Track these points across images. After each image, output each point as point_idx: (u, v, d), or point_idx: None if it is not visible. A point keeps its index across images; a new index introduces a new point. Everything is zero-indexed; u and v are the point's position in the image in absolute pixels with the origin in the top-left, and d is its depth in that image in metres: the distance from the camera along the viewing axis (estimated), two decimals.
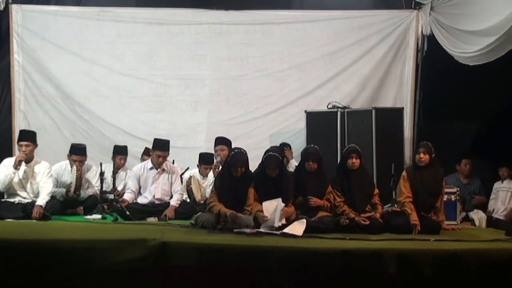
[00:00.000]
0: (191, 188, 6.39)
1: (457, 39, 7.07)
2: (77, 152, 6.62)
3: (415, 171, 5.59)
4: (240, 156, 5.44)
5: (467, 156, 7.21)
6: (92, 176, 6.82)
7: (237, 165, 5.37)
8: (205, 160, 6.95)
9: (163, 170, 6.56)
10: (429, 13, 7.87)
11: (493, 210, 6.80)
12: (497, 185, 6.92)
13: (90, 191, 6.74)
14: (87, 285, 4.35)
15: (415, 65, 8.29)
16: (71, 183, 6.49)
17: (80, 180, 6.48)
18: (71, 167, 6.58)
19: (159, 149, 6.51)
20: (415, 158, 5.62)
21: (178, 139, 7.95)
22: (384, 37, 8.34)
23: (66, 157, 6.76)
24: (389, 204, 5.84)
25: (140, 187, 6.58)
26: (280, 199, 5.24)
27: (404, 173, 5.65)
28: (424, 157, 5.53)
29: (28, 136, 6.24)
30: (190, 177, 6.57)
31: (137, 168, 6.65)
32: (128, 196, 6.44)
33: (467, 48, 6.76)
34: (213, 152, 6.95)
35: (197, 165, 7.02)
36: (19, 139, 6.22)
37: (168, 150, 6.61)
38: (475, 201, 6.94)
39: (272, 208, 5.21)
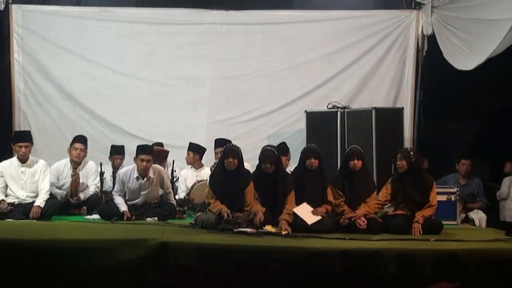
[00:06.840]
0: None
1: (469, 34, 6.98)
2: (22, 139, 6.24)
3: (398, 179, 5.60)
4: (231, 147, 5.52)
5: (465, 156, 7.16)
6: (89, 176, 6.66)
7: (229, 155, 5.37)
8: (221, 143, 6.49)
9: (149, 178, 6.16)
10: (432, 11, 7.84)
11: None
12: None
13: (90, 191, 6.62)
14: (88, 285, 4.35)
15: (415, 65, 8.28)
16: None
17: (75, 185, 6.40)
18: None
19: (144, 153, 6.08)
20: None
21: (178, 139, 7.94)
22: (384, 37, 8.34)
23: (66, 157, 6.70)
24: (389, 205, 5.83)
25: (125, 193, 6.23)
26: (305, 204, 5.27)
27: (390, 180, 5.66)
28: (401, 163, 5.52)
29: (27, 137, 6.27)
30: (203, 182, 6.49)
31: (123, 173, 6.26)
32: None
33: (480, 43, 6.65)
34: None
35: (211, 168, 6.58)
36: (18, 141, 6.22)
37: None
38: (469, 206, 6.87)
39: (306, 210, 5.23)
